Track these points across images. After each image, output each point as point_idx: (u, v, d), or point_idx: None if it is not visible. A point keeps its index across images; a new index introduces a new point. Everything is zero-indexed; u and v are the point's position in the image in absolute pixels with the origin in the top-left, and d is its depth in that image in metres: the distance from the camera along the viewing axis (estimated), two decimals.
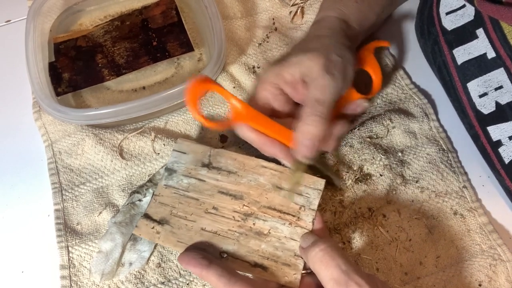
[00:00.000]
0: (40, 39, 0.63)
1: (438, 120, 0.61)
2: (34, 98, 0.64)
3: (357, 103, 0.56)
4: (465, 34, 0.55)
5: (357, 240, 0.53)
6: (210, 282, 0.43)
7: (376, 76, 0.58)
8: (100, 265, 0.51)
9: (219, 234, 0.49)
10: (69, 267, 0.52)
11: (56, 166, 0.59)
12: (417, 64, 0.66)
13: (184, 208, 0.51)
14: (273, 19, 0.70)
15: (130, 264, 0.52)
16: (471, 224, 0.54)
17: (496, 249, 0.52)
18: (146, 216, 0.50)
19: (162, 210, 0.51)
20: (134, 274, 0.52)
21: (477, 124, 0.55)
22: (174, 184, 0.52)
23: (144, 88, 0.64)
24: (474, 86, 0.54)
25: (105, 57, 0.63)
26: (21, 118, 0.63)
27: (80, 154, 0.59)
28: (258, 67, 0.65)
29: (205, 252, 0.46)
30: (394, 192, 0.56)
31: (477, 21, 0.54)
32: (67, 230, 0.54)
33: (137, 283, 0.51)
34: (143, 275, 0.52)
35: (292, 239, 0.48)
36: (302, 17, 0.70)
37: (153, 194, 0.54)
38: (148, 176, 0.57)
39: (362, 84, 0.58)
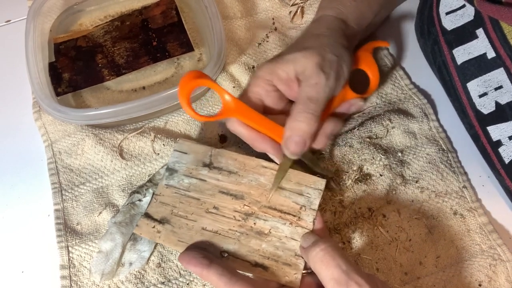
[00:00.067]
0: (40, 39, 0.63)
1: (438, 120, 0.61)
2: (34, 98, 0.64)
3: (351, 102, 0.56)
4: (465, 34, 0.55)
5: (357, 240, 0.53)
6: (210, 281, 0.43)
7: (373, 76, 0.58)
8: (100, 265, 0.51)
9: (219, 234, 0.49)
10: (69, 267, 0.52)
11: (56, 166, 0.59)
12: (416, 64, 0.66)
13: (185, 207, 0.51)
14: (273, 19, 0.70)
15: (130, 264, 0.52)
16: (471, 224, 0.54)
17: (496, 249, 0.52)
18: (147, 215, 0.50)
19: (163, 210, 0.51)
20: (134, 274, 0.52)
21: (477, 124, 0.55)
22: (175, 184, 0.52)
23: (144, 88, 0.64)
24: (474, 86, 0.55)
25: (105, 57, 0.63)
26: (21, 118, 0.63)
27: (80, 154, 0.59)
28: None
29: (206, 252, 0.46)
30: (394, 192, 0.56)
31: (477, 21, 0.54)
32: (67, 230, 0.54)
33: (137, 283, 0.51)
34: (143, 275, 0.52)
35: (293, 239, 0.48)
36: (302, 17, 0.70)
37: (153, 194, 0.54)
38: (148, 176, 0.57)
39: (359, 83, 0.58)
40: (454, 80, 0.57)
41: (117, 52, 0.64)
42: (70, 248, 0.53)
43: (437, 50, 0.59)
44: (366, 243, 0.53)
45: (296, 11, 0.70)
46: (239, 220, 0.50)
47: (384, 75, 0.63)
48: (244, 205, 0.50)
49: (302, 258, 0.47)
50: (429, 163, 0.57)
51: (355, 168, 0.57)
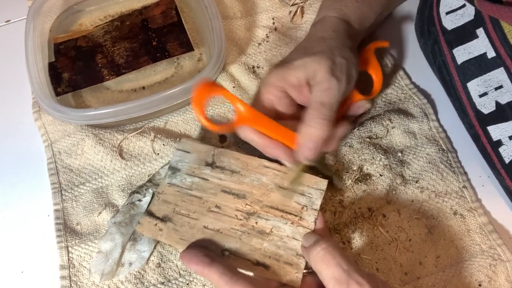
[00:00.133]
0: (40, 39, 0.63)
1: (438, 120, 0.61)
2: (34, 98, 0.64)
3: (359, 104, 0.56)
4: (465, 33, 0.55)
5: (357, 240, 0.53)
6: (211, 280, 0.43)
7: (377, 77, 0.58)
8: (100, 265, 0.51)
9: (221, 232, 0.49)
10: (69, 267, 0.52)
11: (56, 166, 0.58)
12: (417, 64, 0.66)
13: (187, 206, 0.51)
14: (273, 19, 0.70)
15: (130, 264, 0.52)
16: (471, 224, 0.54)
17: (496, 249, 0.52)
18: (149, 213, 0.50)
19: (165, 208, 0.51)
20: (134, 274, 0.52)
21: (477, 124, 0.55)
22: (178, 183, 0.52)
23: (144, 88, 0.64)
24: (474, 86, 0.55)
25: (105, 57, 0.63)
26: (21, 118, 0.63)
27: (79, 154, 0.59)
28: (258, 67, 0.65)
29: (207, 250, 0.46)
30: (394, 192, 0.56)
31: (477, 20, 0.54)
32: (67, 230, 0.54)
33: (137, 283, 0.51)
34: (143, 275, 0.52)
35: (294, 238, 0.48)
36: (302, 16, 0.70)
37: (153, 194, 0.54)
38: (148, 176, 0.57)
39: (363, 84, 0.58)
40: (454, 80, 0.57)
41: (117, 52, 0.64)
42: (69, 248, 0.53)
43: (437, 50, 0.59)
44: (366, 243, 0.53)
45: (296, 11, 0.70)
46: (241, 219, 0.50)
47: (384, 75, 0.63)
48: (246, 204, 0.50)
49: (303, 257, 0.47)
50: (429, 163, 0.57)
51: (355, 168, 0.57)
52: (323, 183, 0.51)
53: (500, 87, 0.52)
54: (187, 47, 0.63)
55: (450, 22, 0.57)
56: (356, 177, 0.56)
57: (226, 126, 0.50)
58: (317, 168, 0.54)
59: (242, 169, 0.53)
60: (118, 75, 0.62)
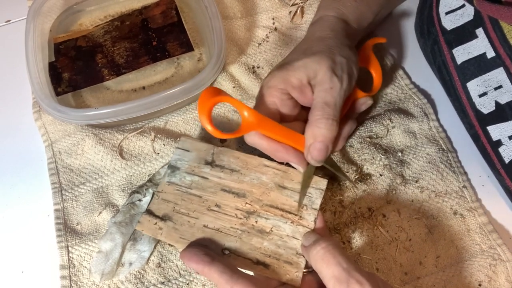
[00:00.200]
0: (40, 39, 0.63)
1: (438, 120, 0.61)
2: (34, 98, 0.64)
3: (361, 101, 0.56)
4: (464, 33, 0.55)
5: (357, 240, 0.53)
6: (211, 279, 0.43)
7: (376, 74, 0.58)
8: (100, 265, 0.51)
9: (221, 231, 0.49)
10: (69, 267, 0.52)
11: (56, 166, 0.58)
12: (416, 64, 0.66)
13: (187, 205, 0.51)
14: (273, 19, 0.70)
15: (130, 264, 0.52)
16: (471, 224, 0.54)
17: (496, 249, 0.52)
18: (149, 212, 0.50)
19: (165, 207, 0.51)
20: (134, 274, 0.52)
21: (477, 123, 0.55)
22: (177, 181, 0.52)
23: (144, 88, 0.64)
24: (474, 86, 0.55)
25: (105, 57, 0.63)
26: (21, 118, 0.63)
27: (80, 154, 0.59)
28: (258, 67, 0.65)
29: (207, 249, 0.46)
30: (394, 192, 0.56)
31: (477, 20, 0.54)
32: (67, 230, 0.54)
33: (137, 283, 0.51)
34: (143, 275, 0.52)
35: (294, 237, 0.48)
36: (302, 16, 0.70)
37: (153, 194, 0.54)
38: (148, 176, 0.57)
39: (363, 82, 0.58)
40: (454, 79, 0.57)
41: (117, 52, 0.64)
42: (70, 248, 0.53)
43: (437, 50, 0.59)
44: (366, 243, 0.53)
45: (296, 11, 0.70)
46: (240, 218, 0.50)
47: (384, 75, 0.63)
48: (246, 203, 0.50)
49: (303, 256, 0.47)
50: (429, 163, 0.57)
51: (355, 168, 0.57)
52: (323, 183, 0.51)
53: (500, 87, 0.53)
54: (187, 47, 0.63)
55: (449, 22, 0.57)
56: (356, 177, 0.56)
57: (234, 133, 0.49)
58: (327, 168, 0.54)
59: (242, 168, 0.53)
60: (118, 75, 0.62)
